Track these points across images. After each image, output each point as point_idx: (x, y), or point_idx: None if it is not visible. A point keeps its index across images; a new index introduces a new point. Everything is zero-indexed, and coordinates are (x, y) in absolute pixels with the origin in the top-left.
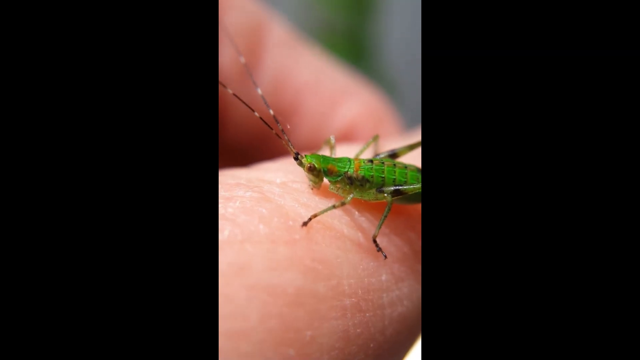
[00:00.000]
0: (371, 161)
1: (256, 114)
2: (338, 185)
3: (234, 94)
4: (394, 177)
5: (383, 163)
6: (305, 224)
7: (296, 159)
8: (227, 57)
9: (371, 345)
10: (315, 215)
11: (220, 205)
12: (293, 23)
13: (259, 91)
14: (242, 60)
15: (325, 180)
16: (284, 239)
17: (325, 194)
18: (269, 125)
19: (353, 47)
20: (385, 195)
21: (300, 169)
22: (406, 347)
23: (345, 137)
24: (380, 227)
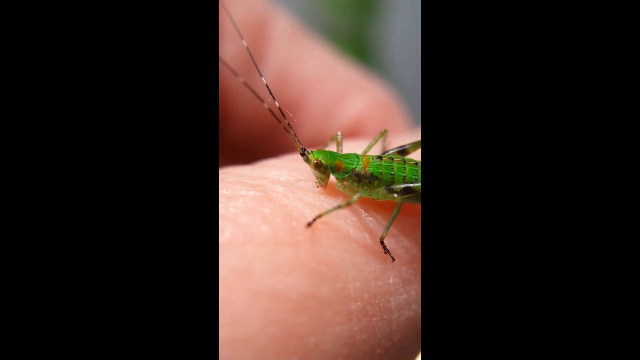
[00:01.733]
0: (380, 157)
1: (265, 105)
2: (345, 183)
3: (245, 83)
4: (404, 174)
5: (392, 160)
6: (309, 224)
7: (303, 154)
8: (231, 50)
9: (378, 351)
10: (320, 216)
11: (221, 205)
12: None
13: (264, 80)
14: (244, 43)
15: (332, 177)
16: (287, 241)
17: (332, 192)
18: (277, 118)
19: (357, 48)
20: (395, 195)
21: (305, 166)
22: (414, 353)
23: (353, 132)
24: (388, 228)
